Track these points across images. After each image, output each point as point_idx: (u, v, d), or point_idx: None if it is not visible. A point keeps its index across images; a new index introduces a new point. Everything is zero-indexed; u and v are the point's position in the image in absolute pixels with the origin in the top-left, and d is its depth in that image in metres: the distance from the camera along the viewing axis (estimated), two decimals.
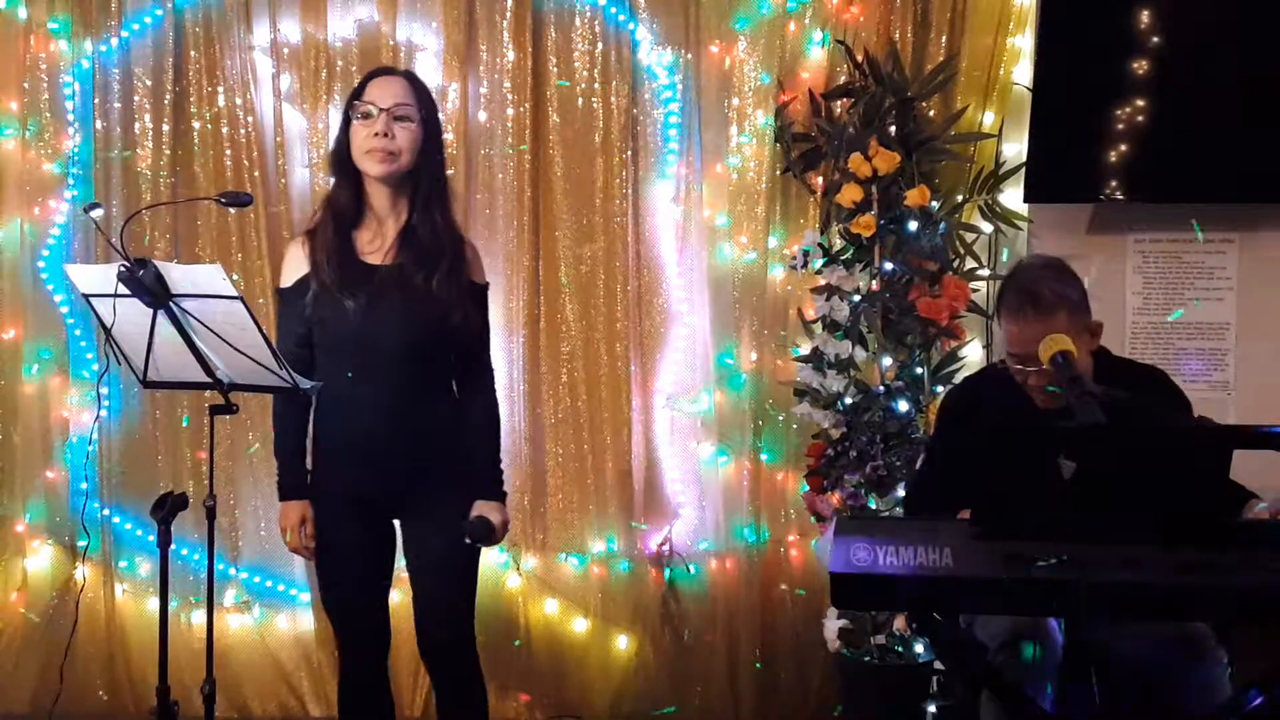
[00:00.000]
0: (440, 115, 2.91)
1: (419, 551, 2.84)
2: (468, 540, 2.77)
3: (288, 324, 2.86)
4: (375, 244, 2.78)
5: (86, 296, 2.82)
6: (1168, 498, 2.13)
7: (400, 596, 3.10)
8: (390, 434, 2.73)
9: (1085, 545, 2.09)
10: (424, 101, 2.78)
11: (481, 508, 2.80)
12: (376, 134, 2.71)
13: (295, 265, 2.83)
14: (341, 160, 2.79)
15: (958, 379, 3.77)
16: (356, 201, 2.78)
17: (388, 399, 2.74)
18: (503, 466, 2.96)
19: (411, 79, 2.83)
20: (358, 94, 2.78)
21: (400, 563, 2.95)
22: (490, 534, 2.79)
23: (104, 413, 4.05)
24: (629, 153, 4.02)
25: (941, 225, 3.82)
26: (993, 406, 2.86)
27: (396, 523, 2.92)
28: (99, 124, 4.07)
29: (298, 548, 2.88)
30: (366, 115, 2.73)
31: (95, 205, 3.03)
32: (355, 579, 2.85)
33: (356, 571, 2.85)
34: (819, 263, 3.86)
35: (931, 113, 3.92)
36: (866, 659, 3.76)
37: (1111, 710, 2.52)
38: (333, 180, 2.86)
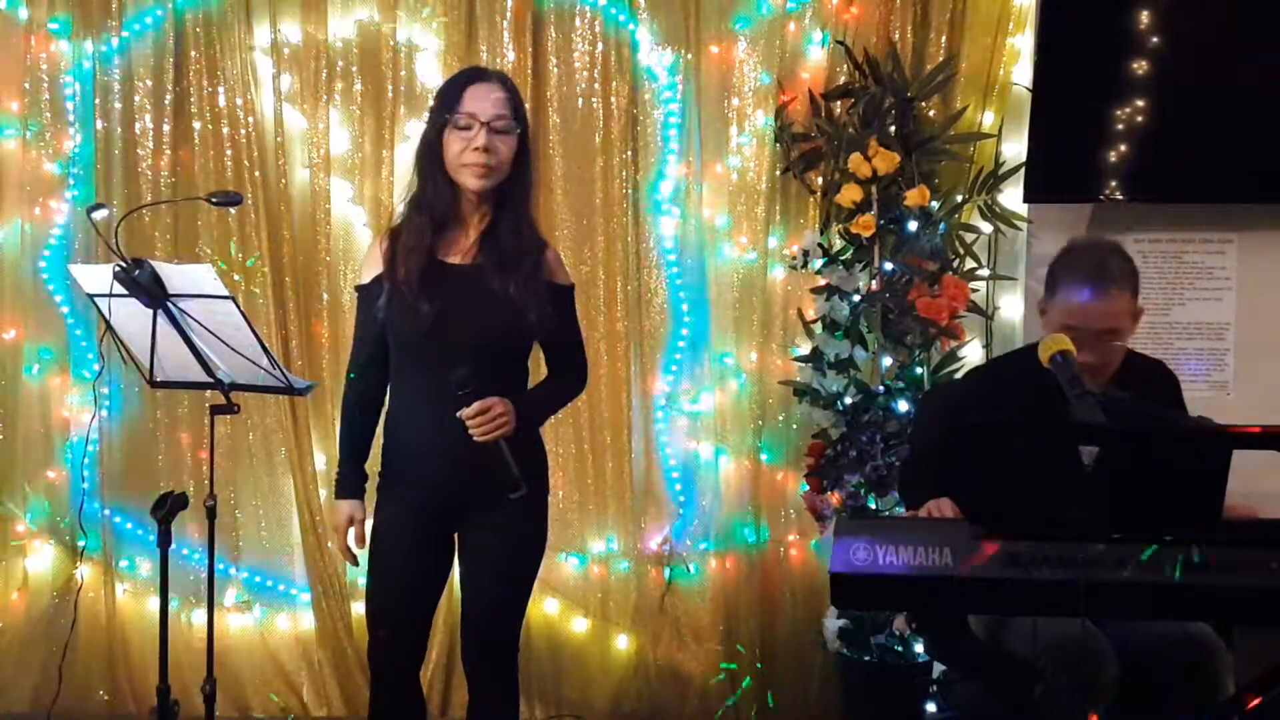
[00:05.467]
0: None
1: (475, 558, 2.80)
2: (458, 386, 2.60)
3: (362, 321, 2.85)
4: (457, 244, 2.75)
5: (91, 296, 2.83)
6: (1168, 496, 2.13)
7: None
8: (454, 437, 2.66)
9: (1085, 545, 2.09)
10: (519, 110, 2.73)
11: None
12: (477, 148, 2.65)
13: (373, 264, 2.81)
14: (435, 164, 2.72)
15: (958, 378, 3.77)
16: (447, 205, 2.74)
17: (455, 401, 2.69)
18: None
19: (508, 86, 2.73)
20: (455, 101, 2.69)
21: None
22: (471, 386, 2.59)
23: (104, 413, 4.06)
24: (629, 153, 4.02)
25: (941, 225, 3.83)
26: (1020, 396, 2.84)
27: (456, 536, 2.86)
28: (99, 124, 4.06)
29: (341, 550, 2.86)
30: (466, 126, 2.67)
31: (99, 206, 3.04)
32: (405, 589, 2.81)
33: (407, 582, 2.80)
34: (819, 263, 3.86)
35: (931, 113, 3.92)
36: (866, 659, 3.76)
37: (1117, 711, 2.53)
38: (420, 180, 2.76)
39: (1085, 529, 2.10)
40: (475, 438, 2.61)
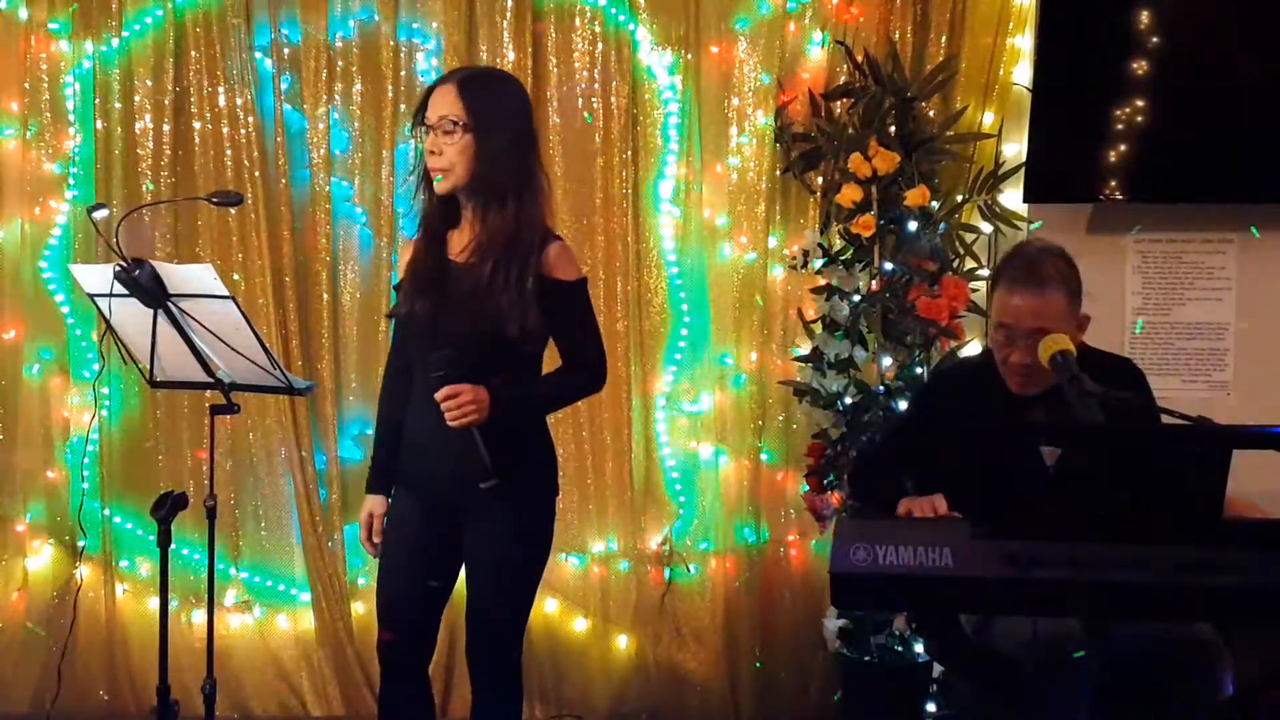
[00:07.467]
0: (517, 114, 2.76)
1: (477, 557, 2.80)
2: (434, 368, 2.62)
3: (395, 320, 2.91)
4: (461, 243, 2.77)
5: (92, 296, 2.83)
6: (1162, 496, 2.13)
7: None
8: (450, 433, 2.65)
9: (1085, 545, 2.09)
10: (477, 106, 2.67)
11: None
12: (429, 152, 2.69)
13: (403, 264, 2.87)
14: (422, 171, 2.77)
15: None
16: (445, 208, 2.77)
17: None
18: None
19: (465, 85, 2.68)
20: (421, 107, 2.73)
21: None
22: (451, 368, 2.60)
23: (104, 413, 4.06)
24: (629, 153, 4.02)
25: (941, 225, 3.83)
26: (975, 396, 2.86)
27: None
28: (99, 124, 4.07)
29: (363, 542, 2.89)
30: (427, 131, 2.70)
31: (99, 206, 3.04)
32: (410, 586, 2.81)
33: (413, 578, 2.81)
34: (819, 263, 3.87)
35: (931, 113, 3.92)
36: (866, 659, 3.76)
37: (1115, 712, 2.53)
38: (422, 187, 2.82)
39: (1084, 529, 2.10)
40: (448, 422, 2.61)
